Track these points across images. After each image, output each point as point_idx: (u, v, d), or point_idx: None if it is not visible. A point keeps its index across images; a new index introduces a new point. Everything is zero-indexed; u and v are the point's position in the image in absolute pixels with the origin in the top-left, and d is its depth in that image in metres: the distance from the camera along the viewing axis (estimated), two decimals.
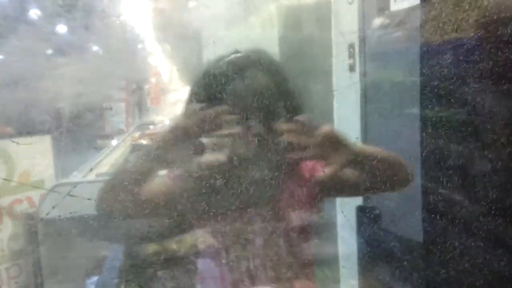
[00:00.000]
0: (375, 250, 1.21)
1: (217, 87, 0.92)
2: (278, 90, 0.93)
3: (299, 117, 0.91)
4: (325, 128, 0.91)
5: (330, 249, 1.45)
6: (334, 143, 0.90)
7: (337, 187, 0.99)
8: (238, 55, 0.96)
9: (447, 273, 0.72)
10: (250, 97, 0.90)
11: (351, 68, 1.51)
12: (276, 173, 0.95)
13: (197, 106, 0.92)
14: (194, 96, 0.96)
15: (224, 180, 0.93)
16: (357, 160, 0.91)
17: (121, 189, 0.94)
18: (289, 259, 1.01)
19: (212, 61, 0.97)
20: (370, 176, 0.92)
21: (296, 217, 1.01)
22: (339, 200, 1.31)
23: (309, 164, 1.02)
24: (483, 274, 0.70)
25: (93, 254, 1.26)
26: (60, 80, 1.79)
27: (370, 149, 0.96)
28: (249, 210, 0.98)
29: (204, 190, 0.94)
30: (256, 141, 0.91)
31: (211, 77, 0.94)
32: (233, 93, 0.91)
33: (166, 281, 1.09)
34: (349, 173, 0.95)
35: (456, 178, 0.77)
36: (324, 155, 0.91)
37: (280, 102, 0.93)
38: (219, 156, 0.92)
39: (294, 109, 0.94)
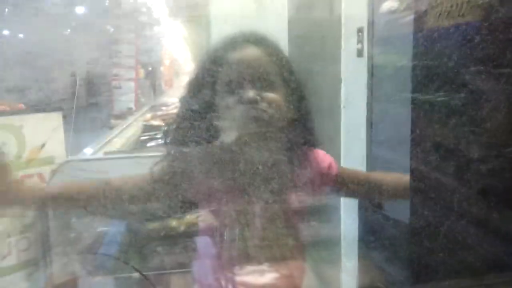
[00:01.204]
0: (373, 233, 1.21)
1: (216, 63, 0.94)
2: (274, 63, 0.95)
3: None
4: None
5: (333, 232, 1.46)
6: None
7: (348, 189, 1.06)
8: (237, 34, 0.98)
9: (433, 255, 0.72)
10: (247, 69, 0.92)
11: (359, 53, 1.50)
12: (276, 151, 0.96)
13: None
14: (197, 75, 0.97)
15: (229, 160, 0.95)
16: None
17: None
18: (286, 240, 1.02)
19: (215, 42, 0.99)
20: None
21: (297, 199, 1.02)
22: None
23: (325, 158, 1.05)
24: (469, 256, 0.70)
25: (96, 228, 1.29)
26: (72, 58, 1.81)
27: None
28: (251, 190, 0.99)
29: (209, 170, 0.95)
30: (254, 110, 0.92)
31: (212, 54, 0.96)
32: (230, 68, 0.93)
33: (165, 257, 1.11)
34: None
35: (445, 161, 0.76)
36: None
37: (275, 75, 0.95)
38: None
39: (292, 85, 0.96)
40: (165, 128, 1.02)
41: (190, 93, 0.98)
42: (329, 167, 1.04)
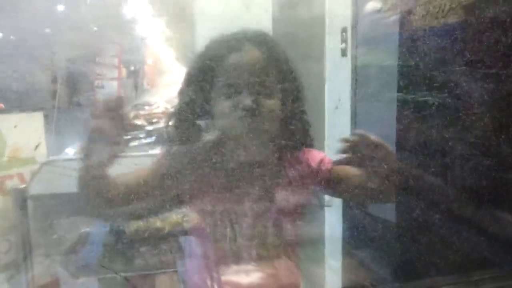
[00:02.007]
0: (357, 231, 1.21)
1: (212, 65, 0.92)
2: (274, 67, 0.93)
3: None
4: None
5: (316, 231, 1.47)
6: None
7: (340, 184, 1.01)
8: (235, 32, 0.95)
9: (418, 252, 0.73)
10: (246, 73, 0.90)
11: (343, 53, 1.51)
12: (269, 154, 0.95)
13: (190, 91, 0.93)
14: (190, 77, 0.96)
15: (216, 159, 0.94)
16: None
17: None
18: (274, 239, 1.02)
19: (209, 41, 0.96)
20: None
21: (287, 200, 1.01)
22: None
23: (317, 155, 1.03)
24: (452, 253, 0.71)
25: (79, 229, 1.27)
26: (53, 56, 1.78)
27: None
28: (239, 189, 0.98)
29: (196, 169, 0.94)
30: (249, 118, 0.90)
31: (207, 55, 0.94)
32: (228, 70, 0.91)
33: (149, 257, 1.10)
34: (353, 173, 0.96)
35: (430, 160, 0.77)
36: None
37: (275, 80, 0.93)
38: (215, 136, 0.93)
39: (290, 88, 0.95)
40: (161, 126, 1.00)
41: (183, 93, 0.96)
42: (321, 162, 1.01)
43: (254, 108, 0.89)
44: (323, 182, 1.00)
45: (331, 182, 1.01)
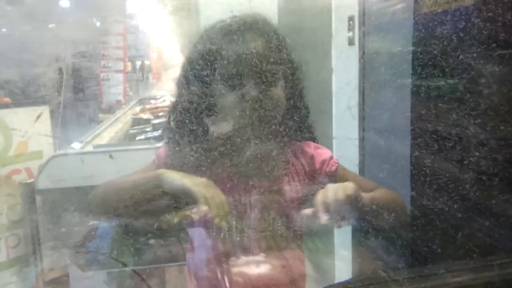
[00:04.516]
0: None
1: (212, 52, 0.90)
2: (276, 55, 0.91)
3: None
4: None
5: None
6: None
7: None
8: (235, 18, 0.93)
9: (432, 241, 0.72)
10: (247, 61, 0.88)
11: (351, 41, 1.49)
12: (275, 144, 0.94)
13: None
14: (190, 65, 0.94)
15: (222, 151, 0.92)
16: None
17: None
18: (283, 230, 1.01)
19: (208, 26, 0.94)
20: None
21: (293, 192, 1.00)
22: None
23: (323, 154, 1.00)
24: (467, 242, 0.70)
25: (87, 222, 1.27)
26: (59, 51, 1.78)
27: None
28: (245, 181, 0.97)
29: (202, 163, 0.93)
30: (253, 107, 0.88)
31: (207, 41, 0.92)
32: (229, 58, 0.88)
33: (158, 250, 1.09)
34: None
35: (445, 147, 0.76)
36: None
37: (277, 67, 0.91)
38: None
39: (291, 75, 0.93)
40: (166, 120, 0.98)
41: (183, 85, 0.94)
42: (324, 164, 0.99)
43: (258, 97, 0.87)
44: (323, 184, 0.98)
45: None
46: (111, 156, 1.26)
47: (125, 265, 1.13)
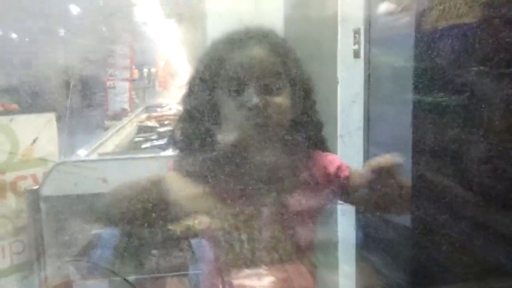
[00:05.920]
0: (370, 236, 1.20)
1: (219, 63, 0.90)
2: (283, 66, 0.91)
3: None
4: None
5: (330, 235, 1.45)
6: None
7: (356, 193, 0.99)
8: (243, 30, 0.94)
9: (433, 258, 0.71)
10: (252, 71, 0.88)
11: (356, 54, 1.49)
12: (281, 155, 0.94)
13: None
14: (197, 74, 0.95)
15: (227, 162, 0.92)
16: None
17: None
18: (287, 243, 1.00)
19: (216, 37, 0.95)
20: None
21: (301, 204, 1.00)
22: None
23: (335, 161, 1.00)
24: (468, 259, 0.69)
25: (90, 231, 1.27)
26: (66, 59, 1.79)
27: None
28: (253, 192, 0.96)
29: (208, 174, 0.93)
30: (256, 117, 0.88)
31: (214, 52, 0.92)
32: (234, 69, 0.89)
33: (161, 260, 1.09)
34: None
35: (447, 164, 0.76)
36: None
37: (283, 77, 0.91)
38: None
39: (298, 85, 0.93)
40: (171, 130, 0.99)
41: (190, 95, 0.95)
42: (338, 169, 0.99)
43: (261, 106, 0.87)
44: (339, 189, 0.98)
45: (348, 190, 0.99)
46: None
47: (124, 279, 1.12)
